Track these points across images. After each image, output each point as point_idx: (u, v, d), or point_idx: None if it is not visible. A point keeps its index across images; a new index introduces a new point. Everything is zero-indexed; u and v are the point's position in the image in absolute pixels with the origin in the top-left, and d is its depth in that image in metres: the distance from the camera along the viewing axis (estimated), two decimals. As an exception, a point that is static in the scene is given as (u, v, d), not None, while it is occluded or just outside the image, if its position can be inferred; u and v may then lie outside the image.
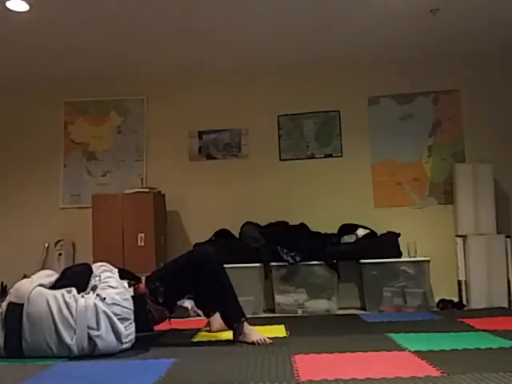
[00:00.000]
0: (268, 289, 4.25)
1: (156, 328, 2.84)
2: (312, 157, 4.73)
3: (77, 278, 2.65)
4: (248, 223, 4.47)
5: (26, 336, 2.40)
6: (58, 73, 4.77)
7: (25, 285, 2.53)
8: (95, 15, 3.72)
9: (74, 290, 2.53)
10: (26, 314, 2.41)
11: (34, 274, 2.73)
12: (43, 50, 4.28)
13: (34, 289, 2.48)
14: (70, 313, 2.43)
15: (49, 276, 2.68)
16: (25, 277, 2.73)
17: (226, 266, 2.83)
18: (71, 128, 4.97)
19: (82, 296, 2.51)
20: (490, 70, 4.64)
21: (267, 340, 2.67)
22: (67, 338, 2.40)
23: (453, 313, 3.79)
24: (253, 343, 2.65)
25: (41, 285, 2.54)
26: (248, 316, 2.78)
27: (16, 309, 2.43)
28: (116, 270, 2.81)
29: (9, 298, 2.50)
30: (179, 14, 3.75)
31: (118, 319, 2.50)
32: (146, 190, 4.38)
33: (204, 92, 4.88)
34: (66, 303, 2.45)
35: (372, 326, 3.30)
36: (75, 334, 2.41)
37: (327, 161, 4.71)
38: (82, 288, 2.59)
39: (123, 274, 2.80)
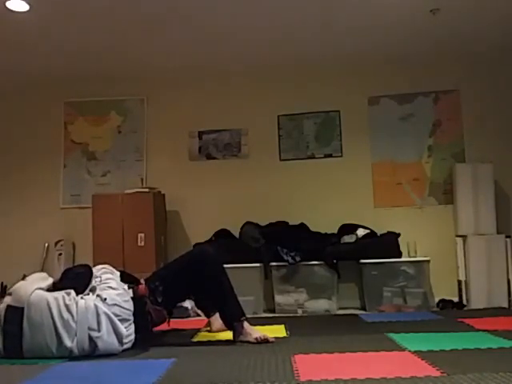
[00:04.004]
0: (268, 289, 4.25)
1: (156, 328, 2.84)
2: (312, 157, 4.73)
3: (78, 278, 2.64)
4: (248, 223, 4.47)
5: (26, 339, 2.39)
6: (58, 73, 4.76)
7: (24, 288, 2.50)
8: (95, 15, 3.71)
9: (72, 293, 2.51)
10: (26, 318, 2.39)
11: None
12: (43, 50, 4.28)
13: (32, 292, 2.46)
14: (71, 315, 2.42)
15: (43, 279, 2.65)
16: (24, 277, 2.71)
17: (226, 266, 2.83)
18: (71, 128, 4.97)
19: (82, 297, 2.50)
20: (489, 69, 4.64)
21: (269, 338, 2.67)
22: (67, 340, 2.39)
23: (453, 313, 3.79)
24: (255, 339, 2.64)
25: (39, 288, 2.51)
26: (248, 316, 2.78)
27: (16, 312, 2.41)
28: (118, 272, 2.81)
29: (7, 301, 2.46)
30: (179, 14, 3.75)
31: (119, 320, 2.49)
32: (146, 189, 4.39)
33: (204, 92, 4.88)
34: (66, 306, 2.43)
35: (372, 325, 3.30)
36: (76, 335, 2.40)
37: (327, 161, 4.71)
38: (82, 289, 2.57)
39: (124, 277, 2.79)
